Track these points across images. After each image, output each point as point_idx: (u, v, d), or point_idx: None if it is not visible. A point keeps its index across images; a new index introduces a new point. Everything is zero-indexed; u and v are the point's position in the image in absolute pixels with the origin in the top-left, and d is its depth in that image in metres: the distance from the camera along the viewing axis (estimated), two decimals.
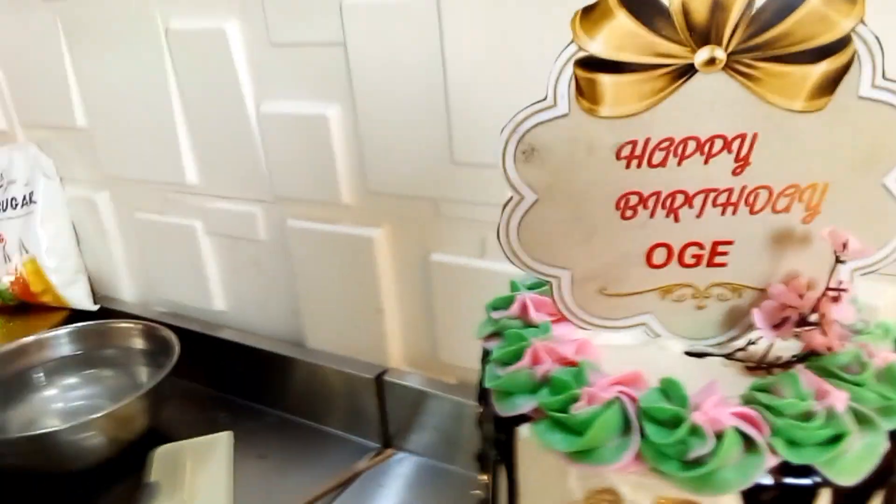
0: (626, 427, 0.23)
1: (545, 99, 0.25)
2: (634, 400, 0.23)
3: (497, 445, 0.27)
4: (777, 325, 0.25)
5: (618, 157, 0.26)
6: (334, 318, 0.86)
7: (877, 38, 0.25)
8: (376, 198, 0.77)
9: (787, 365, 0.26)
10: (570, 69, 0.25)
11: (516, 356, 0.26)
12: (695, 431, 0.22)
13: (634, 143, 0.25)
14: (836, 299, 0.23)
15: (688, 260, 0.27)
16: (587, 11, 0.24)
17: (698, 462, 0.21)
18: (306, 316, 0.88)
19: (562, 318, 0.29)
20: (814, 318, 0.24)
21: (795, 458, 0.21)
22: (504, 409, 0.26)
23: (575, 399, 0.24)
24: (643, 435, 0.22)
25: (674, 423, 0.22)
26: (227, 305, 0.97)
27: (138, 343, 0.93)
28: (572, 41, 0.25)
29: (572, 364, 0.25)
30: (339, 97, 0.74)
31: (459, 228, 0.72)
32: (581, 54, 0.24)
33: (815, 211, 0.25)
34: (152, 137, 0.90)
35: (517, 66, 0.61)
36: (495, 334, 0.30)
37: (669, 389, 0.23)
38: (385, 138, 0.72)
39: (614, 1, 0.24)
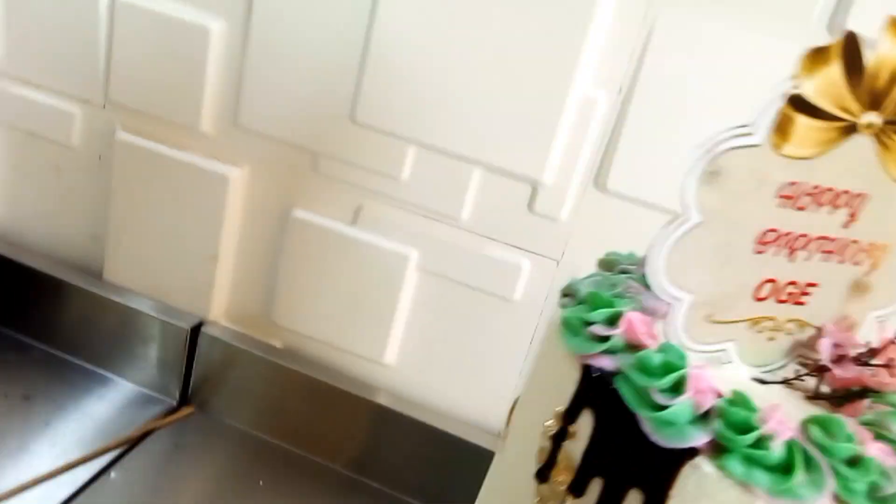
0: (809, 463, 0.24)
1: (747, 125, 0.25)
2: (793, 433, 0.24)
3: (637, 474, 0.26)
4: (836, 360, 0.28)
5: (778, 196, 0.26)
6: (150, 254, 0.75)
7: None
8: (244, 134, 0.69)
9: (849, 397, 0.29)
10: (779, 102, 0.25)
11: (676, 387, 0.25)
12: (880, 473, 0.23)
13: (796, 184, 0.26)
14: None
15: (784, 296, 0.28)
16: (815, 52, 0.24)
17: (886, 500, 0.23)
18: (111, 245, 0.76)
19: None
20: (877, 360, 0.28)
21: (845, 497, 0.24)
22: (670, 441, 0.24)
23: (761, 438, 0.23)
24: (834, 472, 0.23)
25: (855, 461, 0.23)
26: (5, 211, 0.80)
27: None
28: (792, 77, 0.25)
29: (720, 395, 0.25)
30: (228, 12, 0.65)
31: (335, 189, 0.68)
32: (794, 91, 0.24)
33: (875, 265, 0.28)
34: None
35: (448, 46, 0.60)
36: (605, 344, 0.28)
37: (836, 426, 0.24)
38: (275, 74, 0.66)
39: (837, 49, 0.25)
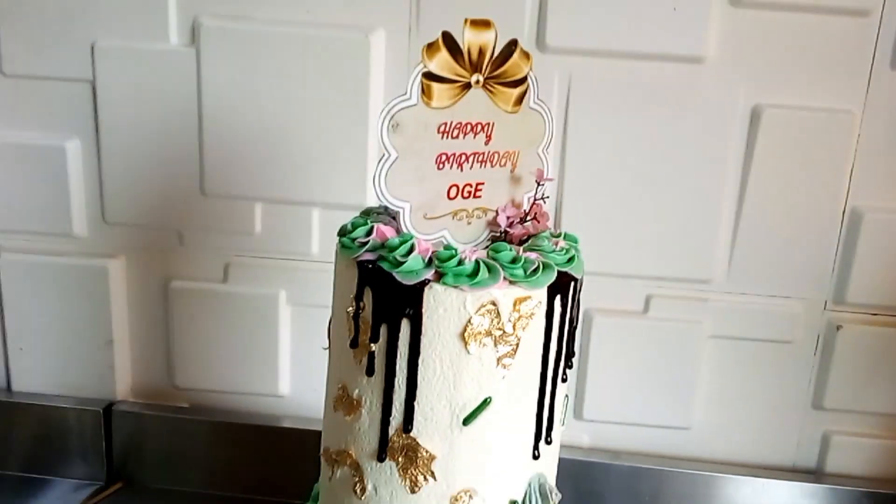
0: (490, 268, 0.39)
1: (405, 94, 0.41)
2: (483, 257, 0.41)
3: (402, 307, 0.41)
4: (509, 225, 0.45)
5: (438, 132, 0.42)
6: (52, 357, 0.84)
7: (535, 77, 0.47)
8: (114, 228, 0.80)
9: (522, 243, 0.46)
10: (419, 78, 0.41)
11: (410, 250, 0.40)
12: (526, 261, 0.42)
13: (447, 122, 0.42)
14: (540, 210, 0.44)
15: (465, 194, 0.44)
16: (430, 47, 0.41)
17: (532, 275, 0.40)
18: (14, 358, 0.84)
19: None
20: (529, 222, 0.44)
21: (560, 268, 0.42)
22: (412, 280, 0.42)
23: (460, 261, 0.39)
24: (503, 266, 0.41)
25: (515, 260, 0.41)
26: None
27: None
28: (421, 62, 0.41)
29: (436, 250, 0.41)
30: (80, 131, 0.78)
31: (202, 256, 0.80)
32: (425, 70, 0.41)
33: (514, 166, 0.47)
34: None
35: (268, 111, 0.74)
36: (370, 251, 0.44)
37: (502, 248, 0.41)
38: (129, 172, 0.78)
39: (441, 44, 0.42)
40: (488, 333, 0.41)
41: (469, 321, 0.41)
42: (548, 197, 0.49)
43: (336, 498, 0.49)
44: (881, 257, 0.74)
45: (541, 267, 0.42)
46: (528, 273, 0.41)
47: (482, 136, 0.44)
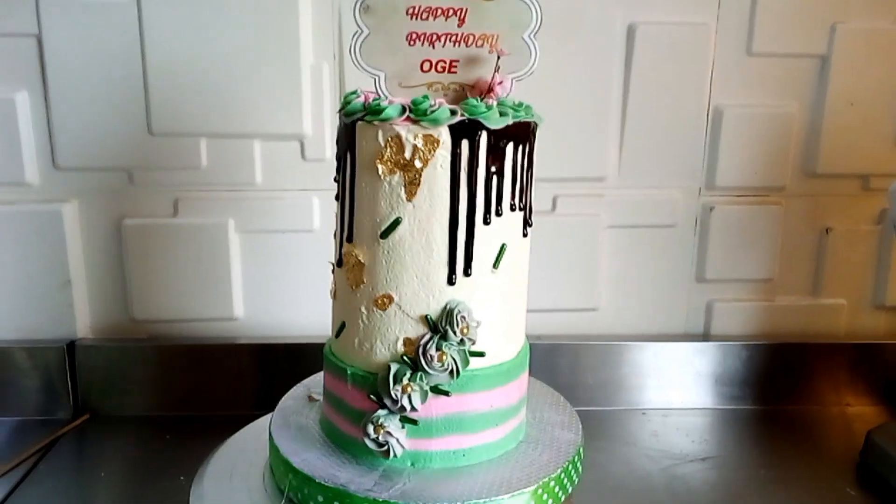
0: (403, 109, 0.49)
1: None
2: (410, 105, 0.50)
3: (347, 142, 0.52)
4: (480, 98, 0.54)
5: (407, 13, 0.52)
6: (10, 302, 0.88)
7: None
8: (65, 173, 0.86)
9: None
10: None
11: (357, 97, 0.50)
12: (431, 105, 0.49)
13: (414, 6, 0.52)
14: (494, 82, 0.54)
15: (439, 69, 0.54)
16: None
17: (431, 113, 0.49)
18: None
19: None
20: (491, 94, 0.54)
21: (469, 116, 0.50)
22: (349, 119, 0.51)
23: (380, 103, 0.49)
24: (410, 109, 0.49)
25: (423, 102, 0.49)
26: None
27: None
28: None
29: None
30: (27, 84, 0.83)
31: (152, 193, 0.87)
32: None
33: (493, 47, 0.54)
34: None
35: (208, 51, 0.82)
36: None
37: (424, 98, 0.50)
38: (78, 119, 0.84)
39: None
40: (396, 164, 0.50)
41: (380, 152, 0.50)
42: (523, 74, 0.54)
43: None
44: (741, 146, 0.89)
45: (442, 109, 0.49)
46: (428, 112, 0.49)
47: (454, 20, 0.53)
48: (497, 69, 0.55)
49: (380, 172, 0.50)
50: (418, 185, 0.50)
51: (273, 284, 0.91)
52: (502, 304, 0.55)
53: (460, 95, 0.55)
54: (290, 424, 0.60)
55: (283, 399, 0.65)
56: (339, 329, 0.55)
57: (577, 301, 0.92)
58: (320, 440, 0.57)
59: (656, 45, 0.86)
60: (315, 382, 0.67)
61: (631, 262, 0.92)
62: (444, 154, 0.50)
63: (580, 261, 0.91)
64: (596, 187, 0.90)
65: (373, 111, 0.50)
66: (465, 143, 0.50)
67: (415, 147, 0.50)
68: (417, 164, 0.50)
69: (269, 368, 0.90)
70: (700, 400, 0.91)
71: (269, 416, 0.65)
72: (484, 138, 0.51)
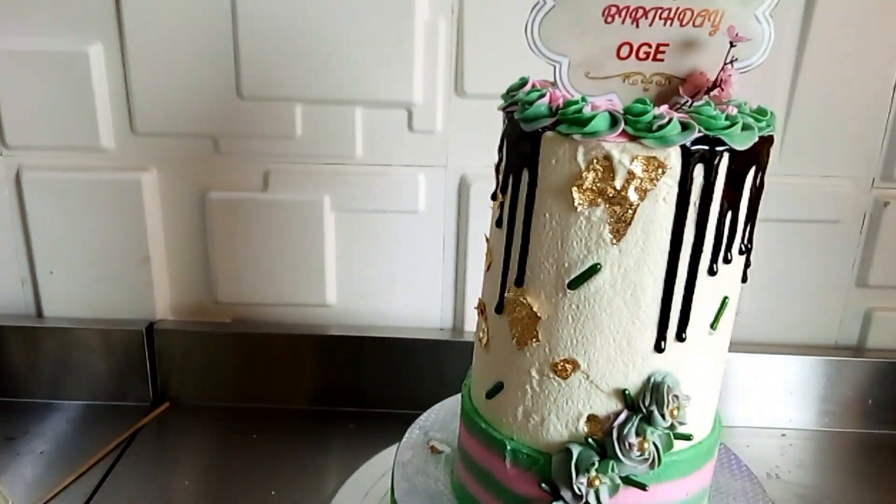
0: (614, 120, 0.37)
1: None
2: (617, 109, 0.38)
3: (523, 156, 0.39)
4: (693, 96, 0.41)
5: None
6: (85, 278, 0.81)
7: None
8: (144, 139, 0.76)
9: None
10: None
11: (540, 96, 0.38)
12: (656, 116, 0.37)
13: None
14: (726, 75, 0.41)
15: (641, 55, 0.42)
16: None
17: (659, 129, 0.36)
18: (44, 282, 0.81)
19: None
20: (714, 92, 0.41)
21: (707, 131, 0.38)
22: (529, 127, 0.38)
23: (581, 109, 0.37)
24: (626, 121, 0.37)
25: (644, 113, 0.37)
26: None
27: None
28: None
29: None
30: (102, 35, 0.73)
31: (240, 164, 0.77)
32: None
33: (716, 28, 0.41)
34: None
35: (308, 3, 0.70)
36: (514, 103, 0.41)
37: (638, 101, 0.38)
38: (159, 77, 0.73)
39: None
40: (601, 193, 0.38)
41: (579, 175, 0.38)
42: (751, 65, 0.41)
43: (475, 345, 0.49)
44: None
45: (673, 123, 0.37)
46: (654, 127, 0.36)
47: None
48: (731, 61, 0.42)
49: (576, 203, 0.39)
50: (629, 223, 0.38)
51: (370, 270, 0.81)
52: (714, 372, 0.44)
53: (665, 92, 0.43)
54: (419, 490, 0.49)
55: (400, 450, 0.54)
56: (494, 390, 0.45)
57: None
58: None
59: (839, 10, 0.71)
60: (433, 424, 0.57)
61: (782, 260, 0.79)
62: (669, 183, 0.38)
63: None
64: None
65: (572, 120, 0.38)
66: (699, 170, 0.38)
67: (630, 173, 0.38)
68: (633, 195, 0.38)
69: (363, 363, 0.81)
70: (851, 422, 0.80)
71: (384, 456, 0.56)
72: (725, 162, 0.38)
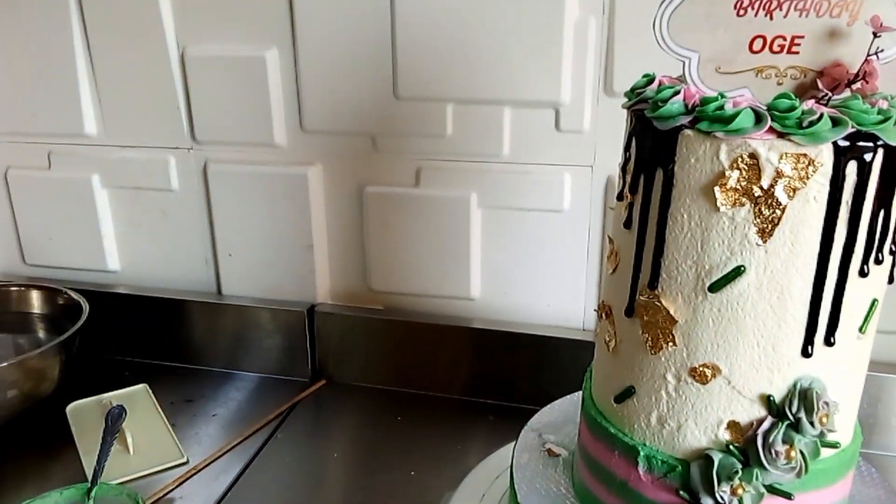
0: (759, 116, 0.36)
1: None
2: (760, 105, 0.37)
3: (657, 156, 0.39)
4: (832, 89, 0.40)
5: None
6: (257, 262, 0.89)
7: None
8: (311, 136, 0.83)
9: None
10: None
11: (674, 93, 0.38)
12: (805, 112, 0.36)
13: None
14: (871, 67, 0.39)
15: (775, 48, 0.40)
16: None
17: (810, 126, 0.35)
18: (224, 263, 0.90)
19: None
20: (857, 84, 0.39)
21: (860, 127, 0.36)
22: (664, 125, 0.38)
23: (722, 105, 0.36)
24: (773, 118, 0.36)
25: (792, 108, 0.36)
26: (123, 264, 0.95)
27: (37, 307, 0.89)
28: None
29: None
30: (277, 40, 0.80)
31: (395, 161, 0.81)
32: None
33: (854, 18, 0.39)
34: (46, 84, 0.87)
35: (459, 8, 0.73)
36: (642, 101, 0.41)
37: (783, 97, 0.36)
38: (325, 80, 0.79)
39: None
40: (746, 192, 0.37)
41: (722, 174, 0.37)
42: (894, 55, 0.39)
43: (597, 348, 0.49)
44: None
45: (825, 118, 0.35)
46: (804, 124, 0.35)
47: None
48: (876, 52, 0.39)
49: (718, 203, 0.38)
50: (777, 223, 0.37)
51: (514, 267, 0.83)
52: (860, 376, 0.41)
53: (802, 86, 0.41)
54: (538, 491, 0.50)
55: (516, 452, 0.54)
56: (624, 394, 0.44)
57: None
58: None
59: None
60: (545, 427, 0.57)
61: None
62: (821, 182, 0.37)
63: None
64: None
65: (713, 118, 0.37)
66: (851, 167, 0.36)
67: (778, 171, 0.36)
68: (781, 195, 0.37)
69: (506, 356, 0.83)
70: None
71: (498, 456, 0.58)
72: (879, 159, 0.37)
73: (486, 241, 0.82)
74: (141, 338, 0.93)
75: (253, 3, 0.78)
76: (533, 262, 0.81)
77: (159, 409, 0.81)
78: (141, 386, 0.85)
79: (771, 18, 0.40)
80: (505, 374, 0.83)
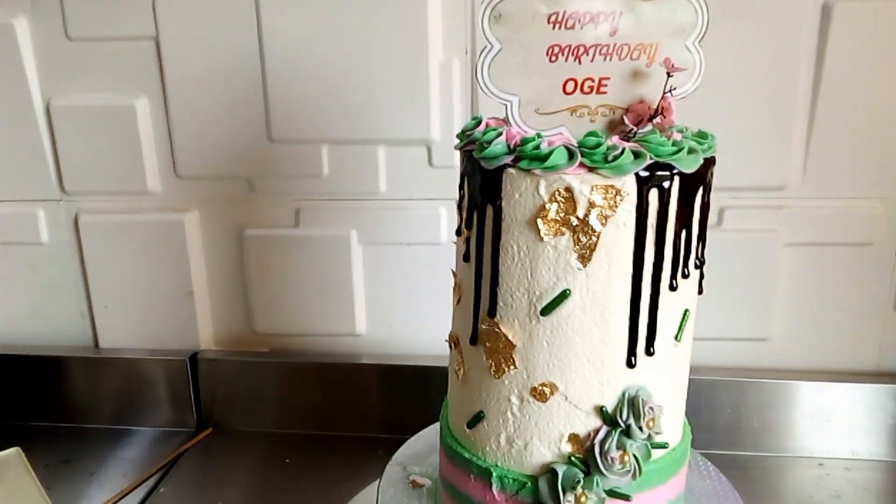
0: (571, 154, 0.39)
1: None
2: (573, 143, 0.39)
3: (486, 193, 0.41)
4: (637, 124, 0.43)
5: (548, 22, 0.42)
6: (135, 312, 0.87)
7: None
8: (186, 182, 0.82)
9: None
10: None
11: (497, 135, 0.40)
12: (609, 147, 0.39)
13: (558, 12, 0.42)
14: (667, 103, 0.42)
15: (586, 89, 0.44)
16: None
17: (614, 160, 0.38)
18: (100, 316, 0.87)
19: None
20: (657, 119, 0.43)
21: (657, 158, 0.40)
22: (490, 165, 0.40)
23: (539, 145, 0.39)
24: (583, 154, 0.39)
25: (598, 145, 0.39)
26: None
27: None
28: None
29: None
30: (147, 89, 0.79)
31: (273, 203, 0.82)
32: None
33: (652, 59, 0.43)
34: None
35: (329, 53, 0.75)
36: (471, 142, 0.44)
37: (591, 135, 0.39)
38: (197, 126, 0.79)
39: None
40: (565, 222, 0.40)
41: (543, 207, 0.40)
42: (686, 92, 0.43)
43: (450, 377, 0.51)
44: None
45: (626, 153, 0.39)
46: (608, 158, 0.39)
47: (605, 27, 0.42)
48: (671, 90, 0.43)
49: (542, 233, 0.41)
50: (594, 248, 0.40)
51: (397, 300, 0.84)
52: (681, 380, 0.45)
53: (612, 122, 0.44)
54: None
55: (381, 487, 0.55)
56: (475, 419, 0.46)
57: (744, 329, 0.79)
58: None
59: (857, 26, 0.70)
60: (410, 459, 0.58)
61: (813, 285, 0.77)
62: (628, 209, 0.40)
63: (750, 283, 0.78)
64: (773, 198, 0.75)
65: (532, 156, 0.40)
66: (653, 194, 0.40)
67: (591, 202, 0.40)
68: (595, 223, 0.40)
69: (394, 389, 0.83)
70: (893, 452, 0.77)
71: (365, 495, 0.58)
72: (676, 185, 0.41)
73: (369, 277, 0.83)
74: (14, 398, 0.88)
75: (120, 51, 0.78)
76: (415, 294, 0.83)
77: (32, 473, 0.77)
78: (13, 450, 0.80)
79: (580, 63, 0.43)
80: (392, 407, 0.83)
